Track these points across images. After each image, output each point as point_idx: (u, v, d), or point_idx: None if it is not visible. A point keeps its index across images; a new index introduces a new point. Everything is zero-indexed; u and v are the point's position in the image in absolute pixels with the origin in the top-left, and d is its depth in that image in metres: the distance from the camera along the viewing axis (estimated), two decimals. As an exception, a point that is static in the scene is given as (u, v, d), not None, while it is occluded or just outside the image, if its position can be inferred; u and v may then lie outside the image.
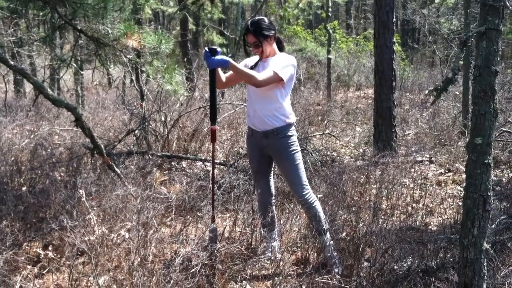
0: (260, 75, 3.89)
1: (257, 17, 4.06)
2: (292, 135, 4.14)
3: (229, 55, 15.81)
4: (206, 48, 3.87)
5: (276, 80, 3.94)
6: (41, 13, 5.74)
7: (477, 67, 2.56)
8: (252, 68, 4.15)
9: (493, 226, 3.82)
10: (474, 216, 2.66)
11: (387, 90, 8.12)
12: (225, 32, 18.13)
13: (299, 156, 4.16)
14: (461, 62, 9.86)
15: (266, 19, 4.04)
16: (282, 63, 3.97)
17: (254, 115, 4.16)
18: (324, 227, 4.09)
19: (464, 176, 6.82)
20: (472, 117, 2.65)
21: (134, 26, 5.50)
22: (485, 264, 2.71)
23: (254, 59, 4.21)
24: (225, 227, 4.22)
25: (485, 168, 2.59)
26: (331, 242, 4.09)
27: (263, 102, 4.08)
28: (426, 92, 3.33)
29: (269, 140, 4.15)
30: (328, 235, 4.10)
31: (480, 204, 2.63)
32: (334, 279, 3.51)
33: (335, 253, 4.04)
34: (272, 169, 4.47)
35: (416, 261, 3.93)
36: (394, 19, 8.17)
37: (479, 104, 2.56)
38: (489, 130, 2.57)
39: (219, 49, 3.88)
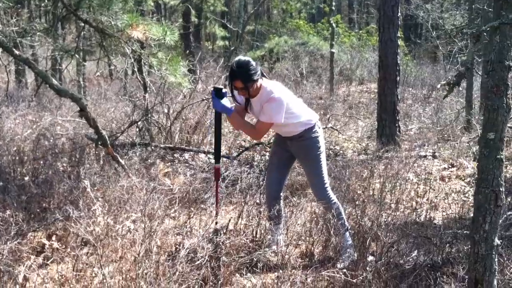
0: (258, 131, 4.12)
1: (242, 59, 3.92)
2: (315, 137, 4.16)
3: (231, 48, 15.79)
4: (212, 88, 4.04)
5: (271, 125, 4.03)
6: (42, 4, 5.71)
7: (490, 62, 2.54)
8: (245, 105, 4.17)
9: (500, 221, 3.80)
10: (485, 212, 2.64)
11: (391, 84, 8.10)
12: (228, 25, 18.04)
13: (322, 157, 4.18)
14: (464, 58, 9.82)
15: (251, 61, 3.91)
16: (272, 110, 3.93)
17: None
18: (344, 227, 4.11)
19: (467, 171, 6.85)
20: (484, 112, 2.63)
21: (139, 17, 5.47)
22: (496, 259, 2.70)
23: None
24: (230, 220, 4.20)
25: (497, 163, 2.58)
26: (350, 241, 4.10)
27: (278, 129, 4.23)
28: (439, 86, 3.32)
29: (292, 142, 4.21)
30: (347, 234, 4.11)
31: (492, 199, 2.62)
32: (341, 273, 3.49)
33: (353, 252, 4.02)
34: (291, 168, 4.52)
35: (422, 256, 3.92)
36: (399, 14, 8.14)
37: (492, 99, 2.54)
38: (501, 125, 2.55)
39: (224, 90, 4.05)
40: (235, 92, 4.08)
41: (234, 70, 3.88)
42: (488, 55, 2.53)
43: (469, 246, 4.09)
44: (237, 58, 3.95)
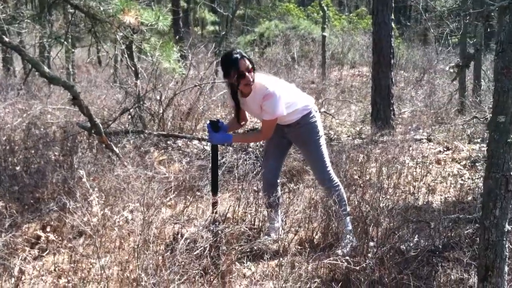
0: (265, 132, 3.99)
1: (233, 52, 3.78)
2: (313, 122, 4.07)
3: (222, 33, 15.61)
4: (208, 121, 3.94)
5: (276, 120, 3.93)
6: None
7: (500, 43, 2.46)
8: (238, 106, 4.04)
9: (511, 207, 3.75)
10: (496, 197, 2.57)
11: (385, 68, 8.04)
12: (218, 9, 17.84)
13: (321, 142, 4.10)
14: (456, 40, 9.74)
15: (242, 53, 3.80)
16: (272, 106, 3.81)
17: None
18: (345, 211, 4.06)
19: (463, 154, 6.81)
20: (494, 95, 2.55)
21: (131, 2, 5.34)
22: (506, 246, 2.65)
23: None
24: (228, 207, 4.13)
25: (508, 147, 2.50)
26: (350, 227, 4.05)
27: None
28: (447, 68, 3.24)
29: (290, 129, 4.12)
30: (348, 219, 4.06)
31: (502, 184, 2.55)
32: (343, 260, 3.43)
33: (352, 238, 3.97)
34: (287, 154, 4.49)
35: (422, 241, 3.88)
36: (393, -4, 8.07)
37: (502, 81, 2.46)
38: (512, 107, 2.48)
39: (221, 121, 3.98)
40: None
41: (230, 60, 3.75)
42: (498, 35, 2.46)
43: (470, 230, 4.08)
44: (229, 51, 3.83)
